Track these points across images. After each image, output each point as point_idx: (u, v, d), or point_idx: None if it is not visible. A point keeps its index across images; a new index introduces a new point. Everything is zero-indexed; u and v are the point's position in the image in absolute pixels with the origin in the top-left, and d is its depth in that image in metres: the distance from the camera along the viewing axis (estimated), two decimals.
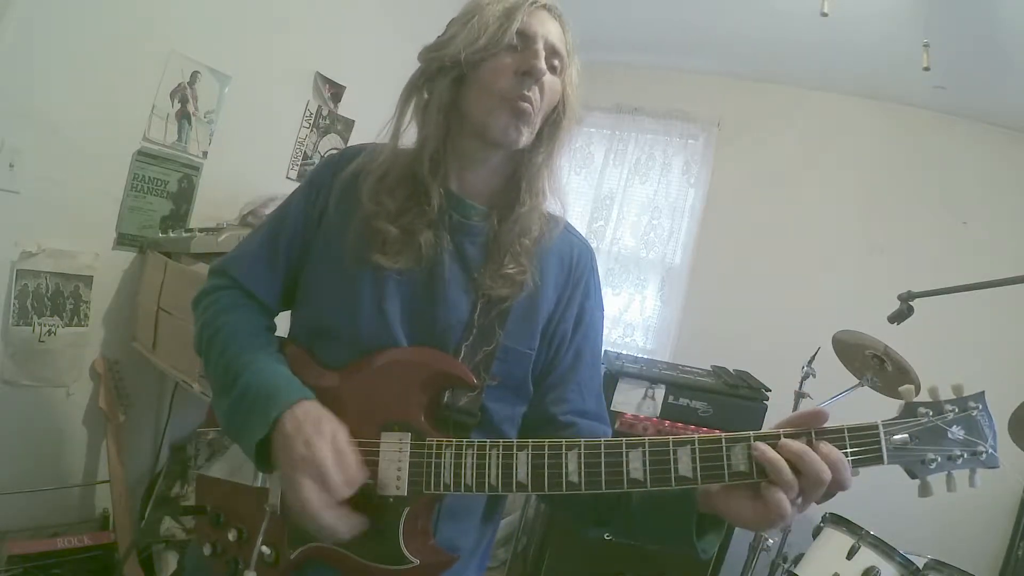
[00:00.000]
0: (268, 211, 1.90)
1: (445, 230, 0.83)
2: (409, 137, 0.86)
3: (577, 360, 0.89)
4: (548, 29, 0.81)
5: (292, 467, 0.69)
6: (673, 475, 0.66)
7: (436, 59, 0.82)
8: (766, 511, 0.64)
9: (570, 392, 0.87)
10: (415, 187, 0.83)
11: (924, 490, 0.63)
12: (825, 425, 0.65)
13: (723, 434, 0.66)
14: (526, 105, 0.79)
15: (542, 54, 0.80)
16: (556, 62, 0.83)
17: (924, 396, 0.66)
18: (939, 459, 0.62)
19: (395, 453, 0.74)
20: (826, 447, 0.63)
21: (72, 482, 1.78)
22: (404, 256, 0.81)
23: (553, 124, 0.85)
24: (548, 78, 0.81)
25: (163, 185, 1.87)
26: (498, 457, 0.71)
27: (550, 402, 0.87)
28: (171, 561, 1.77)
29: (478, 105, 0.81)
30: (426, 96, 0.84)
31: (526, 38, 0.80)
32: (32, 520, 1.69)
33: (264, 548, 0.76)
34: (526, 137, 0.82)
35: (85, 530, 1.74)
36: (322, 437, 0.70)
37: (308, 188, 0.90)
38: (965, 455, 0.62)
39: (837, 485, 0.63)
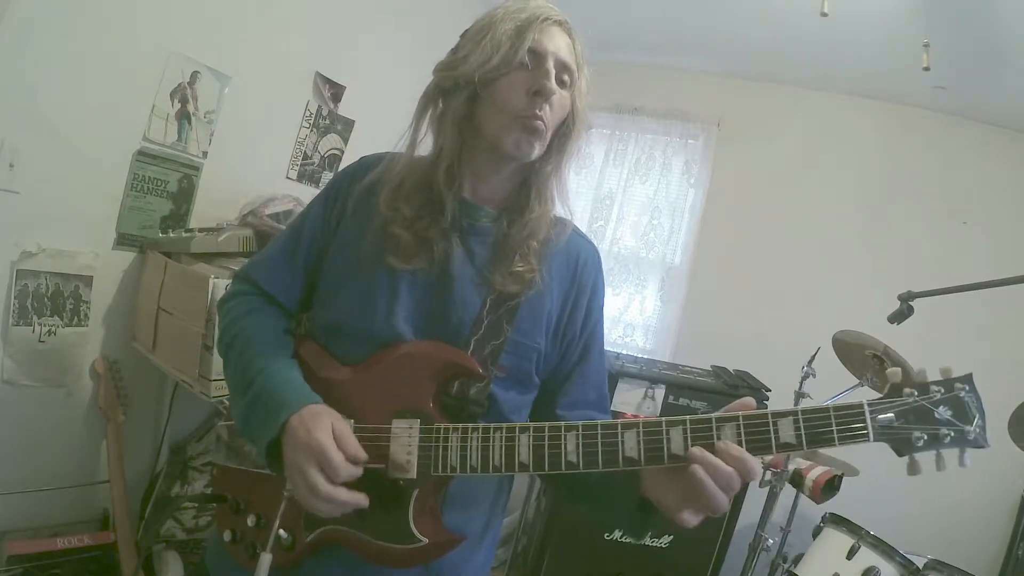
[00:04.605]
0: (268, 211, 1.91)
1: (457, 234, 0.88)
2: (424, 146, 0.90)
3: (584, 357, 0.93)
4: (558, 45, 0.84)
5: (296, 455, 0.73)
6: (666, 453, 0.70)
7: (450, 77, 0.85)
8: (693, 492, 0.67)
9: (574, 385, 0.92)
10: (430, 195, 0.87)
11: (912, 468, 0.66)
12: (812, 405, 0.68)
13: (713, 414, 0.70)
14: (538, 123, 0.83)
15: (552, 73, 0.83)
16: (566, 77, 0.86)
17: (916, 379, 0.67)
18: (926, 438, 0.65)
19: (405, 438, 0.78)
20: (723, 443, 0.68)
21: (72, 482, 1.78)
22: (416, 258, 0.85)
23: (563, 136, 0.89)
24: (558, 94, 0.84)
25: (163, 185, 1.87)
26: (501, 440, 0.75)
27: (556, 396, 0.92)
28: (171, 561, 1.77)
29: (492, 122, 0.84)
30: (441, 108, 0.88)
31: (537, 56, 0.83)
32: (32, 520, 1.69)
33: (281, 532, 0.80)
34: (538, 151, 0.86)
35: (85, 530, 1.74)
36: (321, 426, 0.74)
37: (327, 196, 0.95)
38: (952, 434, 0.65)
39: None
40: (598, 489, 0.83)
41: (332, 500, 0.72)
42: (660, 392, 2.36)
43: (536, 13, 0.84)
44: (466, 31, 0.89)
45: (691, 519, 0.70)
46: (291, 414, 0.76)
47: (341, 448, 0.73)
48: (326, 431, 0.74)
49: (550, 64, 0.83)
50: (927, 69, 2.06)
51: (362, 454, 0.75)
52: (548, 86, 0.82)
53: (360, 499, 0.74)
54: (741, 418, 0.68)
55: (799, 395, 2.27)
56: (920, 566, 1.95)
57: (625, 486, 0.78)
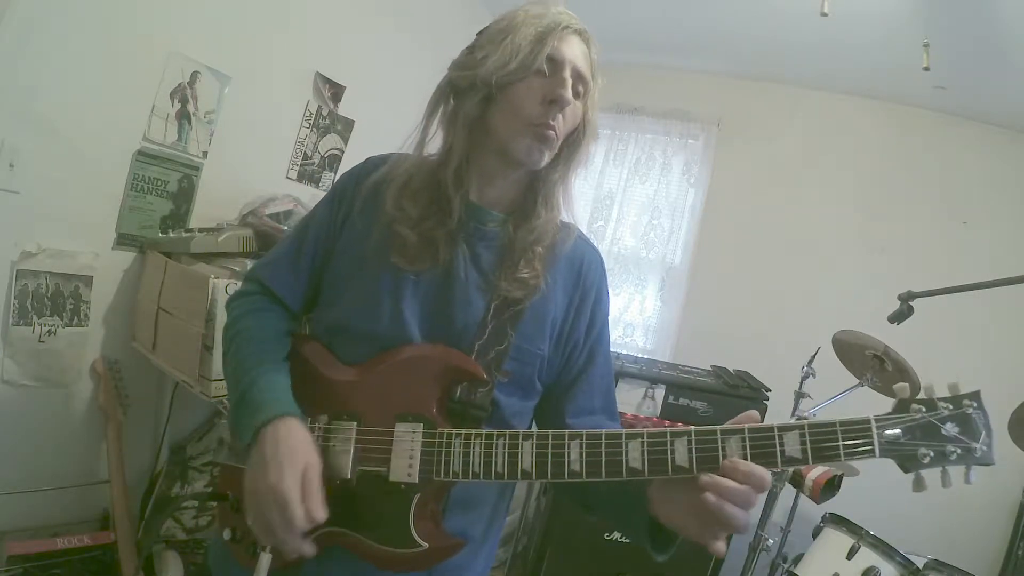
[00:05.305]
0: (268, 211, 1.91)
1: (462, 236, 0.87)
2: (432, 145, 0.90)
3: (589, 363, 0.93)
4: (576, 54, 0.85)
5: (262, 491, 0.73)
6: (670, 465, 0.69)
7: (467, 77, 0.85)
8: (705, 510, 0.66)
9: (580, 392, 0.92)
10: (437, 194, 0.87)
11: (917, 485, 0.65)
12: (818, 419, 0.67)
13: (719, 427, 0.69)
14: (550, 132, 0.83)
15: (569, 82, 0.83)
16: (580, 88, 0.86)
17: (923, 395, 0.67)
18: (932, 455, 0.64)
19: (407, 442, 0.78)
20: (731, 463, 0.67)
21: (72, 482, 1.78)
22: (421, 260, 0.85)
23: (572, 144, 0.89)
24: (572, 104, 0.84)
25: (163, 185, 1.87)
26: (504, 446, 0.75)
27: (563, 403, 0.91)
28: (171, 561, 1.77)
29: (504, 126, 0.84)
30: (453, 106, 0.88)
31: (555, 64, 0.83)
32: (32, 520, 1.69)
33: None
34: (547, 159, 0.86)
35: (85, 530, 1.74)
36: (294, 469, 0.73)
37: (332, 197, 0.95)
38: (959, 451, 0.63)
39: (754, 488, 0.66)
40: (607, 502, 0.83)
41: (284, 545, 0.73)
42: (660, 392, 2.36)
43: (557, 20, 0.84)
44: (484, 30, 0.88)
45: (720, 546, 0.68)
46: (264, 423, 0.76)
47: (305, 501, 0.72)
48: (295, 478, 0.72)
49: (567, 73, 0.83)
50: (927, 69, 2.06)
51: (321, 517, 0.73)
52: (564, 96, 0.82)
53: (307, 551, 0.74)
54: (747, 431, 0.67)
55: (799, 395, 2.27)
56: (920, 566, 1.95)
57: (633, 503, 0.77)
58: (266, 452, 0.74)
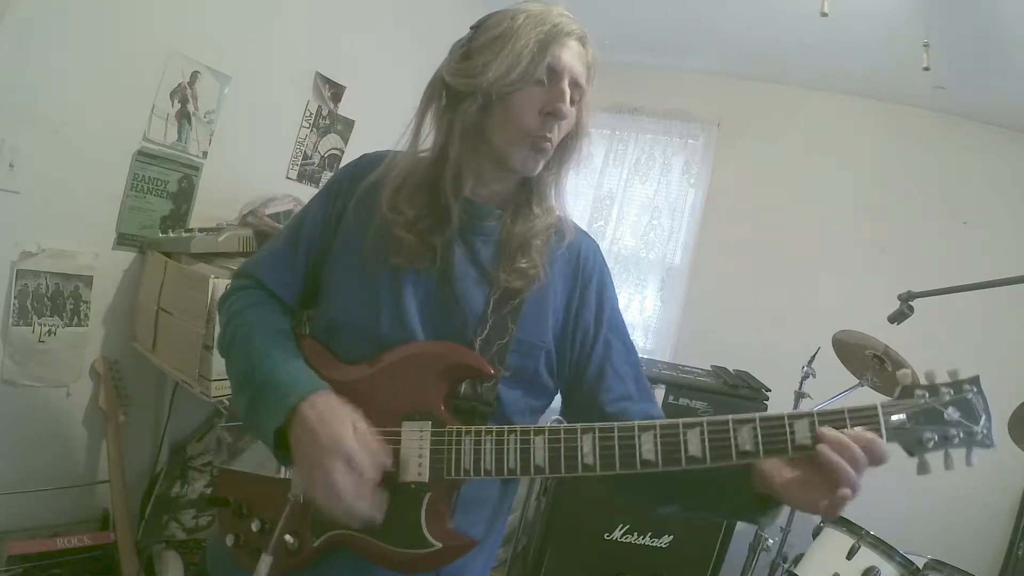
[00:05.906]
0: (268, 211, 1.91)
1: (459, 234, 0.87)
2: (425, 142, 0.90)
3: (608, 350, 0.92)
4: (575, 61, 0.84)
5: (319, 454, 0.72)
6: (683, 455, 0.69)
7: (466, 84, 0.84)
8: (822, 484, 0.65)
9: (611, 380, 0.91)
10: (433, 196, 0.87)
11: (922, 468, 0.67)
12: (826, 407, 0.68)
13: (731, 416, 0.69)
14: (547, 144, 0.84)
15: (567, 94, 0.83)
16: (577, 95, 0.86)
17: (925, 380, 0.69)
18: (936, 438, 0.66)
19: (416, 441, 0.77)
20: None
21: (72, 482, 1.78)
22: (420, 259, 0.85)
23: (565, 147, 0.90)
24: (569, 115, 0.85)
25: (163, 185, 1.87)
26: (516, 442, 0.74)
27: (597, 395, 0.90)
28: (171, 561, 1.77)
29: (501, 135, 0.84)
30: (446, 106, 0.87)
31: (554, 73, 0.83)
32: (32, 520, 1.69)
33: (287, 537, 0.79)
34: (541, 166, 0.87)
35: (85, 530, 1.74)
36: (344, 424, 0.73)
37: (327, 193, 0.95)
38: (961, 435, 0.66)
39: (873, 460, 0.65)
40: (699, 487, 0.80)
41: (351, 510, 0.71)
42: (660, 392, 2.36)
43: (558, 26, 0.82)
44: (481, 28, 0.86)
45: (831, 510, 0.66)
46: (300, 400, 0.74)
47: (367, 451, 0.72)
48: (348, 433, 0.72)
49: (565, 84, 0.83)
50: (927, 69, 2.06)
51: (387, 460, 0.73)
52: (562, 110, 0.82)
53: (377, 517, 0.73)
54: (758, 419, 0.68)
55: (799, 395, 2.28)
56: (920, 566, 1.95)
57: (731, 484, 0.75)
58: (311, 422, 0.73)
